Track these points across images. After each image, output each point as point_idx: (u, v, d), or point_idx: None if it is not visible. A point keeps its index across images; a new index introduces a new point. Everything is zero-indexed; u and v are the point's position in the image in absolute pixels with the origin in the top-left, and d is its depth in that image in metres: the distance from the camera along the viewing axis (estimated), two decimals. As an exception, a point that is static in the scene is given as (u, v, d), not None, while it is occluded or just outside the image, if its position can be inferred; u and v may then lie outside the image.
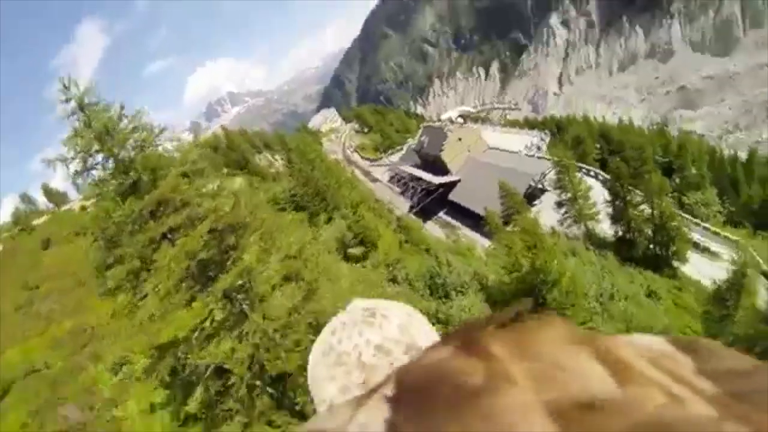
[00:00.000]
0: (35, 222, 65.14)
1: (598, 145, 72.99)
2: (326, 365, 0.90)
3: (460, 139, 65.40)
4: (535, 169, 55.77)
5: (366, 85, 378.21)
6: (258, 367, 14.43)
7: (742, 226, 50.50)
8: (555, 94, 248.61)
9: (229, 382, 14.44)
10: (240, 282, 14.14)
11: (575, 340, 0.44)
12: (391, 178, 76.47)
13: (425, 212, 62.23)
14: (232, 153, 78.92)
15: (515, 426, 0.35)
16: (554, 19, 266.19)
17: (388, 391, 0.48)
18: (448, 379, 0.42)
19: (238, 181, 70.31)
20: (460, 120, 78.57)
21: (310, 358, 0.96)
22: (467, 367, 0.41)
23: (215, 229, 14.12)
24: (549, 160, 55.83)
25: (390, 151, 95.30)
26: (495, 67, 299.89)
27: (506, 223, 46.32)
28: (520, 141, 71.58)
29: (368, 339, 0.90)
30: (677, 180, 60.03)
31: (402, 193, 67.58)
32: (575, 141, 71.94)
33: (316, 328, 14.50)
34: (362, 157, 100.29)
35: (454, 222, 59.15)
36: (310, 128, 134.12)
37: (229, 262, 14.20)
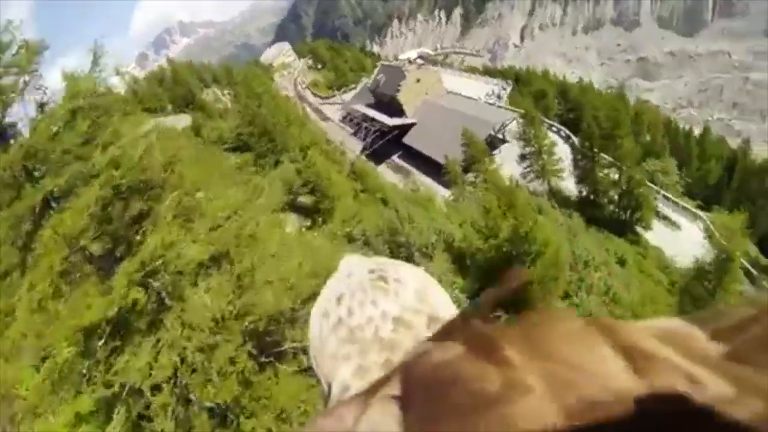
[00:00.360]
0: None
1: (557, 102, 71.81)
2: (337, 340, 0.81)
3: (418, 81, 61.93)
4: (496, 118, 53.17)
5: (323, 20, 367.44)
6: (183, 393, 10.34)
7: (696, 200, 50.67)
8: (515, 46, 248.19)
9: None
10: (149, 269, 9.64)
11: (591, 335, 0.41)
12: (344, 117, 72.90)
13: (378, 155, 59.37)
14: (178, 88, 73.74)
15: None
16: None
17: (395, 389, 0.46)
18: (462, 384, 0.40)
19: (184, 119, 66.16)
20: (420, 61, 74.34)
21: (314, 327, 0.88)
22: (482, 372, 0.39)
23: (118, 193, 9.77)
24: (513, 111, 53.83)
25: (343, 90, 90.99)
26: (457, 12, 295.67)
27: (466, 171, 44.00)
28: (479, 88, 68.70)
29: (384, 310, 0.82)
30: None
31: (354, 134, 64.20)
32: (538, 95, 69.76)
33: (257, 336, 11.01)
34: (314, 95, 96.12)
35: (408, 167, 56.62)
36: (261, 62, 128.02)
37: (138, 238, 9.95)
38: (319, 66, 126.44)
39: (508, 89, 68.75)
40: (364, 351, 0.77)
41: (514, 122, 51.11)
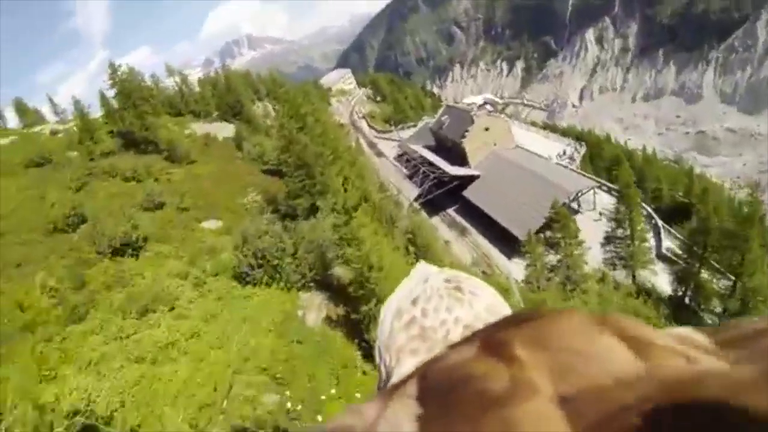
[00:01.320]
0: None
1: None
2: (408, 336, 0.85)
3: (487, 129, 56.15)
4: (573, 185, 46.52)
5: (386, 54, 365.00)
6: None
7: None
8: (574, 106, 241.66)
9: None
10: None
11: (594, 326, 0.44)
12: (400, 156, 67.16)
13: (432, 204, 53.51)
14: (228, 95, 69.62)
15: None
16: (590, 33, 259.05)
17: (412, 390, 0.47)
18: (471, 383, 0.41)
19: (227, 129, 61.96)
20: (489, 107, 68.32)
21: (385, 322, 0.91)
22: (490, 371, 0.41)
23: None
24: (592, 179, 47.97)
25: (401, 126, 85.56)
26: (520, 65, 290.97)
27: (538, 233, 39.09)
28: (550, 146, 62.50)
29: (457, 317, 0.86)
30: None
31: (410, 177, 58.42)
32: (612, 162, 63.86)
33: None
34: (370, 126, 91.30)
35: (465, 224, 50.31)
36: (321, 84, 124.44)
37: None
38: (378, 98, 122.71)
39: (582, 151, 62.43)
40: (432, 349, 0.81)
41: (591, 191, 46.41)
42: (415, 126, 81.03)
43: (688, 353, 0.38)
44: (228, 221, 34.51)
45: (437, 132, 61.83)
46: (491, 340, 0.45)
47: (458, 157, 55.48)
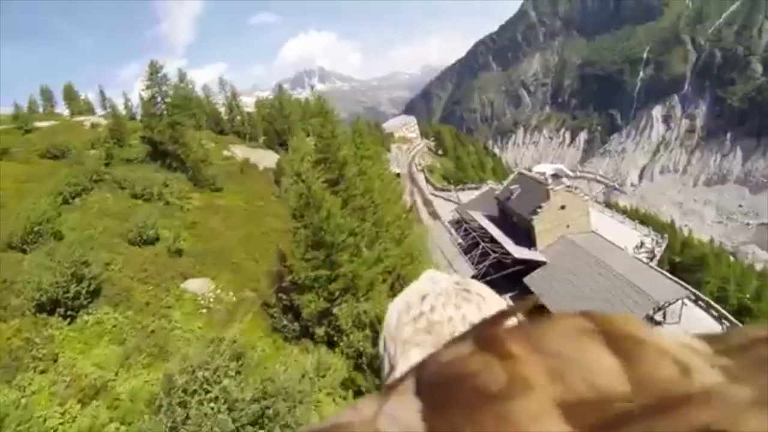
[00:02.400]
0: (39, 124, 53.12)
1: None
2: (414, 329, 0.85)
3: (562, 207, 47.10)
4: (658, 291, 36.36)
5: (452, 108, 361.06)
6: None
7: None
8: (632, 185, 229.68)
9: None
10: None
11: (585, 331, 0.42)
12: (457, 222, 58.29)
13: (488, 286, 43.45)
14: (280, 120, 62.65)
15: (530, 429, 0.35)
16: (657, 111, 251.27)
17: (410, 385, 0.47)
18: (466, 379, 0.41)
19: (270, 157, 55.01)
20: (567, 181, 57.86)
21: (392, 315, 0.91)
22: (486, 367, 0.41)
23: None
24: (685, 287, 38.58)
25: (461, 186, 77.48)
26: (583, 136, 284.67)
27: None
28: (626, 234, 52.52)
29: (465, 314, 0.86)
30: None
31: (466, 252, 49.72)
32: (696, 262, 53.90)
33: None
34: (427, 181, 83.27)
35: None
36: (383, 128, 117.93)
37: None
38: (440, 152, 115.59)
39: (663, 245, 52.32)
40: (438, 343, 0.78)
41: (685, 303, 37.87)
42: (476, 188, 72.41)
43: (683, 362, 0.38)
44: (223, 284, 26.56)
45: (504, 203, 52.95)
46: (486, 336, 0.45)
47: (525, 235, 46.76)
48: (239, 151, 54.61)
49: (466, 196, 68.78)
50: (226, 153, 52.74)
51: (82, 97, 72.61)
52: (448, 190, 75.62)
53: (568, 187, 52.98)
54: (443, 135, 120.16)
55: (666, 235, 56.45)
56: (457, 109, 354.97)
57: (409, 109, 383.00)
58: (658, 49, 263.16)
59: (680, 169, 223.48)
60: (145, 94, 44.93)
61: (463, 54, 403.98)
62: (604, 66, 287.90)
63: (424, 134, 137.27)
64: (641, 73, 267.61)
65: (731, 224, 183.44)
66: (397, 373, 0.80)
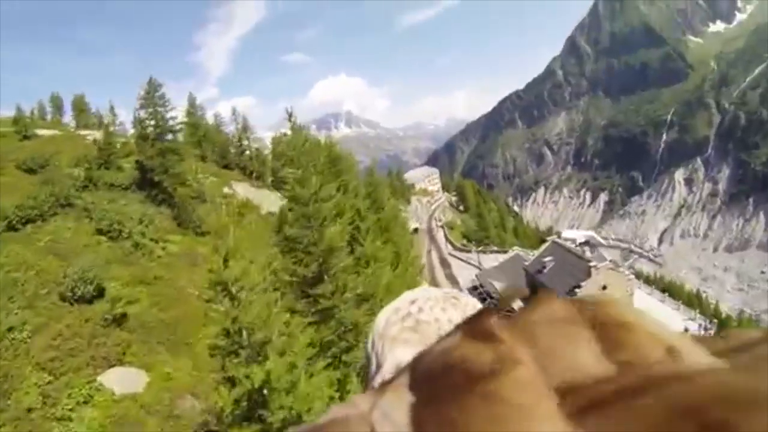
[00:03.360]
0: (41, 131, 48.41)
1: None
2: (402, 328, 0.88)
3: (604, 288, 40.22)
4: None
5: (475, 162, 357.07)
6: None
7: None
8: (651, 248, 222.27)
9: None
10: None
11: (572, 318, 0.43)
12: (476, 289, 50.67)
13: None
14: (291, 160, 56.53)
15: (521, 406, 0.35)
16: (680, 174, 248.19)
17: (404, 379, 0.47)
18: (456, 366, 0.41)
19: (274, 199, 48.73)
20: (608, 263, 49.76)
21: (382, 318, 0.94)
22: (474, 352, 0.41)
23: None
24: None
25: (482, 248, 70.07)
26: (603, 197, 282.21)
27: None
28: (667, 314, 45.57)
29: (450, 317, 0.88)
30: None
31: (485, 327, 41.76)
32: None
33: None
34: (447, 239, 76.34)
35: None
36: (404, 178, 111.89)
37: None
38: (461, 207, 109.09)
39: (711, 332, 44.02)
40: (424, 341, 0.83)
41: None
42: (498, 252, 65.30)
43: (670, 342, 0.38)
44: (159, 381, 19.16)
45: (534, 276, 45.86)
46: (473, 327, 0.45)
47: (557, 317, 39.13)
48: (241, 189, 48.17)
49: (488, 260, 61.59)
50: (226, 190, 46.35)
51: (93, 110, 67.13)
52: (468, 251, 68.24)
53: (611, 262, 45.93)
54: (465, 190, 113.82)
55: (715, 321, 49.30)
56: (479, 163, 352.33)
57: (432, 160, 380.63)
58: (682, 111, 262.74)
59: (701, 234, 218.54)
60: (141, 114, 39.17)
61: (488, 109, 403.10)
62: (628, 127, 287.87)
63: (445, 187, 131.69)
64: (665, 136, 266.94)
65: (752, 291, 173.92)
66: (386, 368, 0.83)
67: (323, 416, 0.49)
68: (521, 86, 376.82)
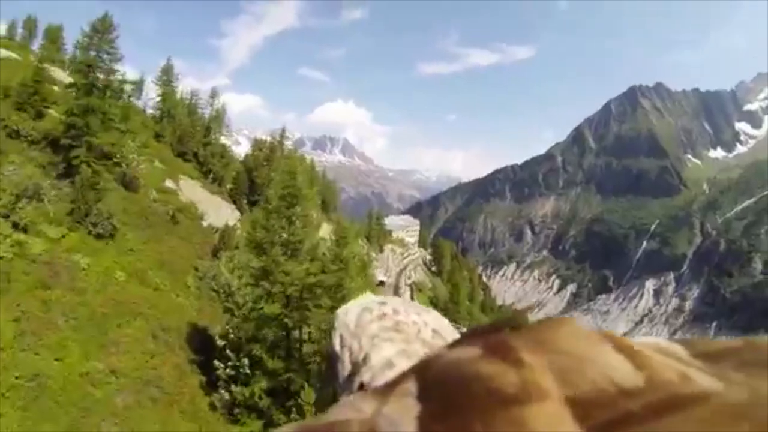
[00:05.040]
0: None
1: None
2: (381, 327, 0.86)
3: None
4: None
5: (455, 223, 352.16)
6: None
7: None
8: None
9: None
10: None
11: (593, 335, 0.43)
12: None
13: None
14: (263, 173, 46.15)
15: None
16: (650, 284, 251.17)
17: (411, 385, 0.46)
18: (480, 382, 0.40)
19: (223, 211, 39.10)
20: None
21: (349, 317, 0.92)
22: (500, 372, 0.40)
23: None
24: None
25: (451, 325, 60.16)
26: (570, 288, 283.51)
27: None
28: None
29: (426, 321, 0.87)
30: None
31: None
32: None
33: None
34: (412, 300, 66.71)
35: None
36: (383, 223, 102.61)
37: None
38: (434, 268, 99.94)
39: None
40: (408, 341, 0.82)
41: None
42: None
43: (683, 370, 0.38)
44: None
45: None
46: (494, 342, 0.44)
47: None
48: (189, 189, 37.97)
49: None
50: (168, 184, 36.03)
51: (68, 47, 55.94)
52: None
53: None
54: (443, 250, 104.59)
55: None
56: (459, 225, 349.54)
57: (415, 209, 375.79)
58: (667, 224, 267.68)
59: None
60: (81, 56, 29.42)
61: (482, 175, 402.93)
62: (611, 227, 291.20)
63: (421, 241, 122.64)
64: (645, 244, 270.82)
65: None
66: (374, 363, 0.80)
67: (326, 416, 0.48)
68: (519, 161, 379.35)
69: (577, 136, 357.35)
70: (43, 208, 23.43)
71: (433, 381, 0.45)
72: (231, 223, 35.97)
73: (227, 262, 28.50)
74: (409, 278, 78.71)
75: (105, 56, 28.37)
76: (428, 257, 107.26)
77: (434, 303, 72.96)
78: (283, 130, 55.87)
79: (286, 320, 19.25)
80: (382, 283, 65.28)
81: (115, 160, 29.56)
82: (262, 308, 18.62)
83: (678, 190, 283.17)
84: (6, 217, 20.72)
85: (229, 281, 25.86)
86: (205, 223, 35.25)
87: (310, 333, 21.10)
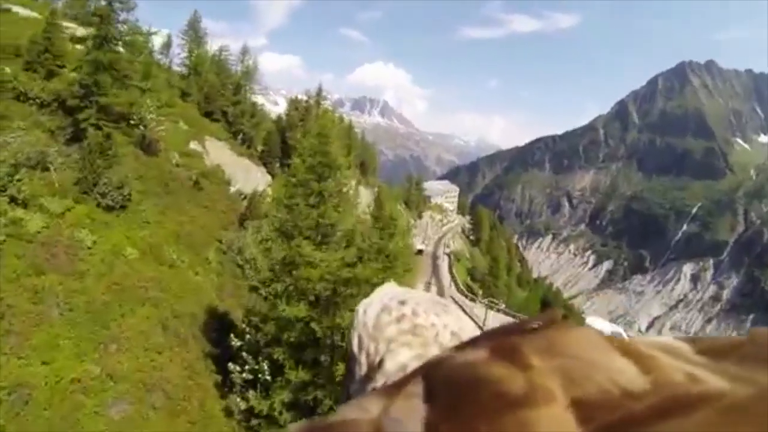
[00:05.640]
0: (17, 9, 37.33)
1: None
2: (399, 329, 0.84)
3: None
4: None
5: (492, 190, 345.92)
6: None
7: None
8: (639, 331, 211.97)
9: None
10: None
11: (600, 340, 0.43)
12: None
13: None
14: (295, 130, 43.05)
15: None
16: (688, 268, 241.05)
17: (418, 386, 0.46)
18: (487, 385, 0.40)
19: (260, 178, 36.00)
20: None
21: (369, 313, 0.90)
22: (507, 375, 0.40)
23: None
24: None
25: (490, 300, 52.37)
26: (606, 265, 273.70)
27: None
28: None
29: (446, 323, 0.85)
30: None
31: None
32: None
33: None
34: (450, 272, 62.74)
35: None
36: (422, 187, 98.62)
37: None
38: (473, 237, 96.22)
39: None
40: (425, 345, 0.80)
41: None
42: (507, 313, 50.82)
43: (690, 371, 0.38)
44: None
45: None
46: (502, 344, 0.45)
47: None
48: (215, 151, 34.87)
49: (493, 320, 47.22)
50: (193, 146, 33.11)
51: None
52: (473, 299, 53.95)
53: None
54: (482, 219, 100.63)
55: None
56: (497, 192, 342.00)
57: (453, 173, 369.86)
58: (709, 208, 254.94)
59: (691, 333, 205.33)
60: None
61: (522, 143, 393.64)
62: (651, 206, 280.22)
63: (460, 207, 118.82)
64: (685, 226, 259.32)
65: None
66: (389, 369, 0.79)
67: (334, 416, 0.48)
68: (559, 131, 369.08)
69: (620, 110, 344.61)
70: (49, 177, 20.69)
71: (440, 382, 0.45)
72: (261, 189, 33.18)
73: (255, 233, 25.44)
74: (448, 247, 75.46)
75: (117, 4, 25.14)
76: (467, 226, 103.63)
77: (472, 275, 69.94)
78: (320, 89, 51.90)
79: (312, 325, 15.86)
80: (420, 251, 63.19)
81: (132, 121, 26.65)
82: (284, 310, 15.28)
83: (723, 173, 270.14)
84: (3, 190, 17.94)
85: (255, 255, 22.96)
86: (232, 189, 32.42)
87: (343, 337, 17.23)
